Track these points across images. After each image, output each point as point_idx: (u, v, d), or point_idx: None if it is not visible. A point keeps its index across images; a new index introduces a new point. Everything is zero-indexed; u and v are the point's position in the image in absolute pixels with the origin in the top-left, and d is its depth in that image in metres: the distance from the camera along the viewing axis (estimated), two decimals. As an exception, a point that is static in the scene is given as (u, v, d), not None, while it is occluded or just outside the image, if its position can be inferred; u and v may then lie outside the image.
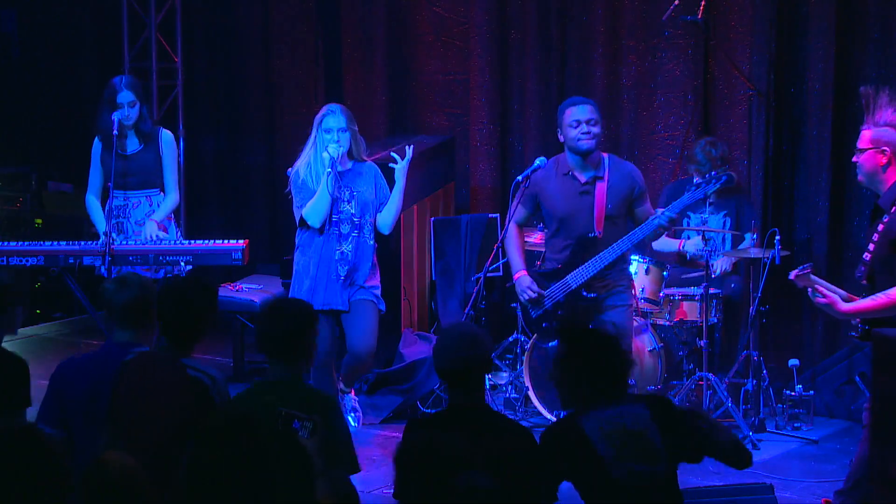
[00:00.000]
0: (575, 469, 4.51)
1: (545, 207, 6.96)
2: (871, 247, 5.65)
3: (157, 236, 7.62)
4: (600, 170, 6.87)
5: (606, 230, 6.85)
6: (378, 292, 7.21)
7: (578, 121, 6.83)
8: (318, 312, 6.99)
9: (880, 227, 5.63)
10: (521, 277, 6.99)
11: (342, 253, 7.09)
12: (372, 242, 7.14)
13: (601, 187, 6.82)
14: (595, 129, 6.82)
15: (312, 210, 7.05)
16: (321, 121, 7.05)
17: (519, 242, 7.07)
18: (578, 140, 6.82)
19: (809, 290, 5.71)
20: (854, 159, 5.80)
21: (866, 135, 5.72)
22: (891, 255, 5.59)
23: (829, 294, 5.68)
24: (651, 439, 4.48)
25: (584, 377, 4.55)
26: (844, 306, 5.66)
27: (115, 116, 7.56)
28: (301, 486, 4.35)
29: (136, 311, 4.88)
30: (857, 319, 5.72)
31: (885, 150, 5.67)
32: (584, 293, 6.86)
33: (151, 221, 7.69)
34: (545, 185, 6.91)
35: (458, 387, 4.67)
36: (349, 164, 7.11)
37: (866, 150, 5.70)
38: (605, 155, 6.95)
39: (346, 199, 7.07)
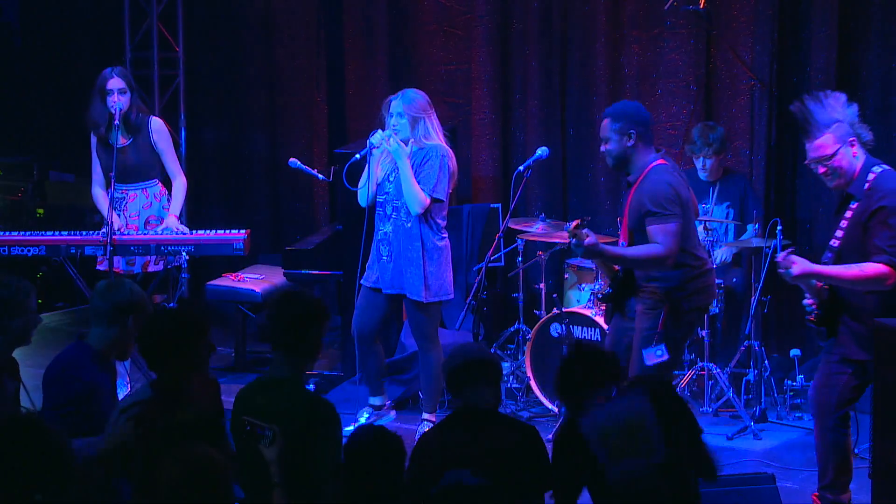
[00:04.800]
0: (577, 471, 4.56)
1: None
2: (839, 233, 5.71)
3: (178, 229, 7.64)
4: (634, 177, 6.23)
5: (632, 242, 6.26)
6: (416, 281, 6.95)
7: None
8: (370, 289, 7.11)
9: (848, 213, 5.69)
10: None
11: (385, 233, 7.07)
12: (410, 225, 6.97)
13: (630, 196, 6.27)
14: (607, 147, 6.24)
15: (360, 191, 7.11)
16: (388, 104, 7.07)
17: None
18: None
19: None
20: (822, 170, 5.71)
21: (828, 139, 5.67)
22: (862, 238, 5.65)
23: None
24: (649, 429, 4.43)
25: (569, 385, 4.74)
26: (815, 267, 5.67)
27: (117, 108, 7.58)
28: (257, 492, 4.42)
29: (122, 312, 5.02)
30: (813, 304, 5.79)
31: (853, 140, 5.70)
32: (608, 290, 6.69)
33: (171, 217, 7.71)
34: None
35: (466, 386, 4.77)
36: (412, 149, 6.99)
37: (837, 150, 5.67)
38: (654, 165, 6.21)
39: (391, 181, 7.03)
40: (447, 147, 7.04)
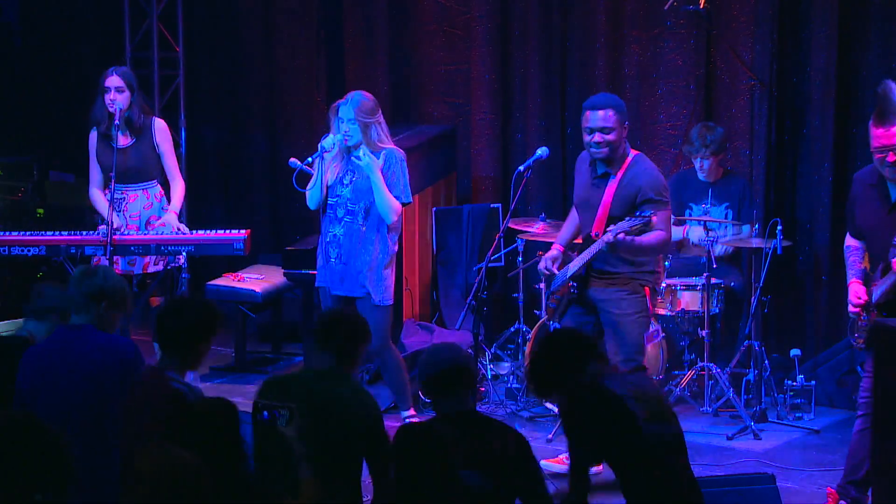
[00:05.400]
0: (609, 431, 4.56)
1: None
2: None
3: (179, 228, 7.64)
4: (615, 167, 6.46)
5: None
6: (376, 284, 7.00)
7: (591, 129, 6.44)
8: (319, 288, 7.17)
9: None
10: (552, 250, 6.78)
11: (334, 236, 7.02)
12: (365, 230, 6.98)
13: (611, 186, 6.44)
14: (609, 137, 6.40)
15: (309, 193, 7.07)
16: (337, 108, 7.00)
17: (571, 218, 6.89)
18: (590, 149, 6.50)
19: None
20: (893, 158, 5.62)
21: None
22: None
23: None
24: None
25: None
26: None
27: (117, 107, 7.58)
28: (282, 469, 4.44)
29: (94, 300, 5.04)
30: (864, 323, 5.75)
31: None
32: (573, 284, 6.69)
33: (171, 213, 7.71)
34: (580, 166, 6.74)
35: (444, 395, 4.72)
36: (362, 152, 6.96)
37: None
38: (634, 154, 6.53)
39: (345, 184, 7.00)
40: (400, 150, 7.07)
